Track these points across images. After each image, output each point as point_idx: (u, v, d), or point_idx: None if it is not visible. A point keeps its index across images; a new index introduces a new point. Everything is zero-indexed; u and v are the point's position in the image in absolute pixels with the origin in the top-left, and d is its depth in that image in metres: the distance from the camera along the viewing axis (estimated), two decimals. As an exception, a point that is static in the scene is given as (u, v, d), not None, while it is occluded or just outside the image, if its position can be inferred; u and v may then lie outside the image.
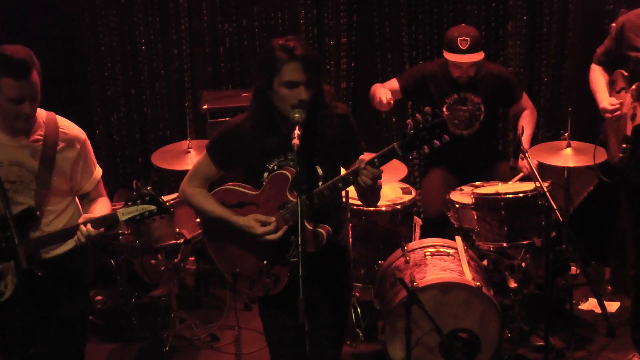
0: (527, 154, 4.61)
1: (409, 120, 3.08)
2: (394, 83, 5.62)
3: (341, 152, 3.40)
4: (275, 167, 3.36)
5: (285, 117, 3.25)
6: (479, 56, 5.36)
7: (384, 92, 5.38)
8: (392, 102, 5.32)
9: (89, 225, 3.46)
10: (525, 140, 5.30)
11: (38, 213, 3.56)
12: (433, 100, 5.46)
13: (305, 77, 3.20)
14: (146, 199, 3.46)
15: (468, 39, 5.29)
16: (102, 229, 3.49)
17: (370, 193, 3.39)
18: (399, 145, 3.11)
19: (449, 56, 5.34)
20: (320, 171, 3.36)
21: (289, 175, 3.30)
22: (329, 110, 3.35)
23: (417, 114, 3.07)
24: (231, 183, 3.49)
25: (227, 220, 3.42)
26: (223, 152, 3.46)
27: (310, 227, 3.29)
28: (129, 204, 3.47)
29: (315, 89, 3.25)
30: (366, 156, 3.22)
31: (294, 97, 3.21)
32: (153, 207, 3.46)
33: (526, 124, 5.48)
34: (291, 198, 3.31)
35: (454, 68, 5.39)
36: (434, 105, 5.37)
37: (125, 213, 3.46)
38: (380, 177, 3.19)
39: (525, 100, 5.65)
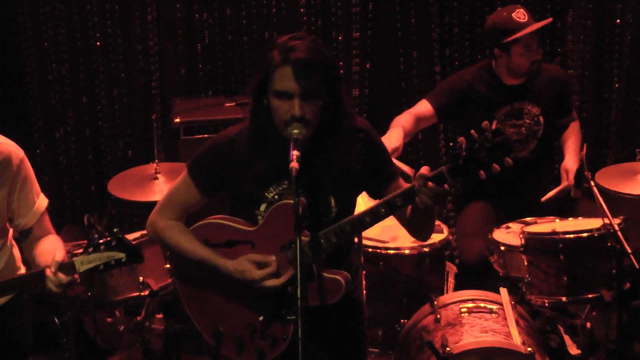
0: (591, 181, 4.66)
1: (461, 139, 3.12)
2: (423, 106, 5.58)
3: (363, 179, 3.47)
4: (276, 197, 3.42)
5: (284, 135, 3.30)
6: (547, 20, 5.47)
7: (393, 136, 5.29)
8: (397, 151, 5.21)
9: (59, 272, 3.40)
10: (572, 156, 5.38)
11: None
12: (478, 118, 5.45)
13: (297, 87, 3.23)
14: (112, 243, 3.41)
15: (521, 9, 5.37)
16: (75, 276, 3.43)
17: (426, 220, 3.43)
18: (448, 169, 3.15)
19: (516, 35, 5.31)
20: (333, 203, 3.43)
21: (303, 207, 3.31)
22: (348, 130, 3.39)
23: (472, 130, 3.12)
24: (217, 216, 3.53)
25: (211, 263, 3.46)
26: (211, 173, 3.50)
27: (325, 274, 3.36)
28: (90, 250, 3.40)
29: (320, 103, 3.29)
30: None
31: (285, 111, 3.26)
32: (122, 255, 3.40)
33: (575, 136, 5.58)
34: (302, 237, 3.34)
35: (522, 55, 5.32)
36: (479, 124, 5.43)
37: (84, 262, 3.40)
38: (445, 197, 3.22)
39: (574, 111, 5.75)
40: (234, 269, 3.40)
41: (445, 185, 3.16)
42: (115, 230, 3.42)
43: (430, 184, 3.16)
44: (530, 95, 5.49)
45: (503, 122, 5.46)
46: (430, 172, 3.19)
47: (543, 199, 5.29)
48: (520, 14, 5.34)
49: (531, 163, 5.52)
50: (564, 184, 5.36)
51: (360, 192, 3.60)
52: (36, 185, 3.75)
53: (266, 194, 3.43)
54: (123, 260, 3.41)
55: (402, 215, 3.45)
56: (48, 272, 3.42)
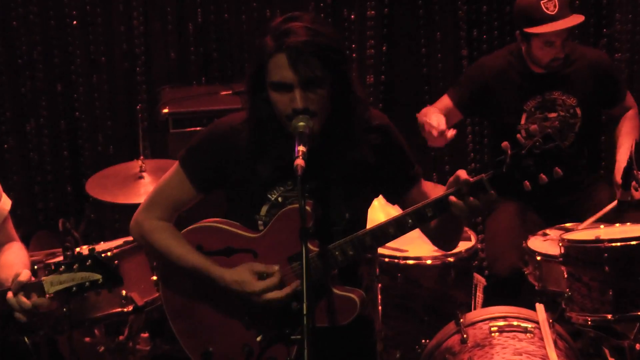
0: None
1: (505, 143, 3.13)
2: (445, 101, 5.63)
3: (379, 181, 3.47)
4: (279, 200, 3.42)
5: (288, 131, 3.28)
6: (578, 18, 5.42)
7: (436, 118, 5.33)
8: (447, 132, 5.23)
9: (20, 295, 3.40)
10: (623, 152, 5.34)
11: None
12: (504, 111, 5.49)
13: (295, 77, 3.22)
14: (87, 263, 3.39)
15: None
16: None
17: (455, 229, 3.46)
18: (489, 177, 3.16)
19: (536, 29, 5.32)
20: (345, 212, 3.43)
21: (311, 212, 3.31)
22: (362, 124, 3.39)
23: (518, 135, 3.12)
24: (212, 219, 3.53)
25: (206, 273, 3.44)
26: (207, 166, 3.49)
27: (337, 291, 3.36)
28: (61, 268, 3.39)
29: (325, 91, 3.27)
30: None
31: (286, 104, 3.26)
32: (97, 276, 3.38)
33: (630, 129, 5.55)
34: (311, 247, 3.33)
35: (543, 49, 5.37)
36: (506, 117, 5.43)
37: (54, 282, 3.40)
38: (481, 209, 3.22)
39: (629, 99, 5.72)
40: (232, 280, 3.38)
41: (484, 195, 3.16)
42: (91, 247, 3.40)
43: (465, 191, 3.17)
44: (564, 84, 5.50)
45: (533, 114, 5.46)
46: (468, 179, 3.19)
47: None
48: (550, 5, 5.30)
49: (570, 160, 5.49)
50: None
51: (376, 197, 3.61)
52: None
53: (268, 195, 3.43)
54: (99, 282, 3.39)
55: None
56: (10, 295, 3.42)
